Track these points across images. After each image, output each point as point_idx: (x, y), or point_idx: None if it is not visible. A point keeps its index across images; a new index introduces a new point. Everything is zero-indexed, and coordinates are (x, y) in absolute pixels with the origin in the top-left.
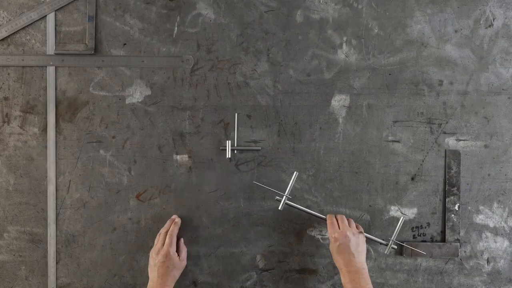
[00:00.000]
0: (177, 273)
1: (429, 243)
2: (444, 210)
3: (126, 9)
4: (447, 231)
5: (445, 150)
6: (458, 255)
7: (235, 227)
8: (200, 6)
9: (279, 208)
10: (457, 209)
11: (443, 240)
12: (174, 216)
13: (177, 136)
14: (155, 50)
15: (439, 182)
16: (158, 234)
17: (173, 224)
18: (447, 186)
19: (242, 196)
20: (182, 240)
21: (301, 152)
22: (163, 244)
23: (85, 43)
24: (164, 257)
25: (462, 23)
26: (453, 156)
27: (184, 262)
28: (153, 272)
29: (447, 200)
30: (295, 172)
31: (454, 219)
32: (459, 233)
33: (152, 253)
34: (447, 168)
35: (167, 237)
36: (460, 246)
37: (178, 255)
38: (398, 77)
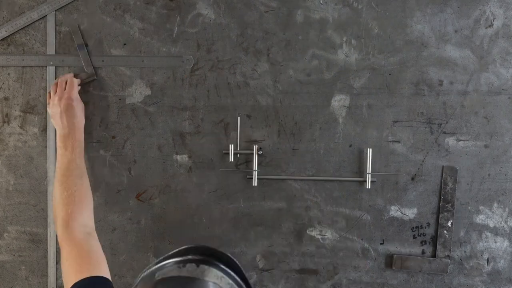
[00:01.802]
0: (83, 114)
1: (419, 257)
2: (437, 225)
3: (126, 9)
4: (438, 247)
5: (442, 167)
6: (447, 272)
7: (235, 227)
8: (200, 6)
9: (254, 184)
10: (450, 225)
11: (434, 255)
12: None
13: (177, 136)
14: (155, 50)
15: (439, 182)
16: (53, 84)
17: (67, 74)
18: (441, 202)
19: (242, 196)
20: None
21: (301, 152)
22: (62, 91)
23: (85, 71)
24: (67, 103)
25: (462, 23)
26: (449, 172)
27: (82, 103)
28: (59, 121)
29: (440, 216)
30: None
31: (446, 235)
32: (450, 250)
33: (55, 104)
34: (442, 184)
35: (68, 82)
36: (450, 262)
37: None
38: (398, 77)
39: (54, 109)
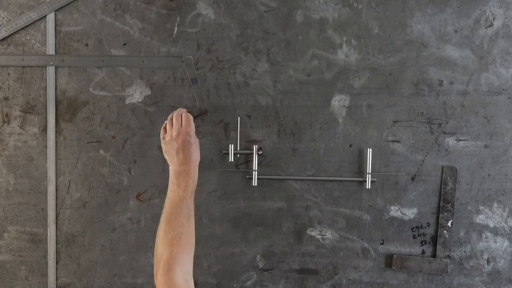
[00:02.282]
0: (199, 153)
1: (419, 257)
2: (437, 225)
3: (126, 9)
4: (438, 247)
5: (442, 167)
6: (447, 272)
7: (235, 227)
8: (200, 6)
9: (254, 184)
10: (450, 225)
11: (434, 255)
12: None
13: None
14: (155, 50)
15: (439, 182)
16: (167, 120)
17: (181, 109)
18: (441, 202)
19: (242, 196)
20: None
21: (301, 152)
22: (180, 125)
23: (198, 106)
24: (185, 139)
25: (462, 23)
26: (450, 173)
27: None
28: (174, 157)
29: (440, 216)
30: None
31: (446, 235)
32: (450, 250)
33: (170, 134)
34: (442, 184)
35: (184, 118)
36: (450, 262)
37: None
38: (398, 77)
39: (170, 145)
